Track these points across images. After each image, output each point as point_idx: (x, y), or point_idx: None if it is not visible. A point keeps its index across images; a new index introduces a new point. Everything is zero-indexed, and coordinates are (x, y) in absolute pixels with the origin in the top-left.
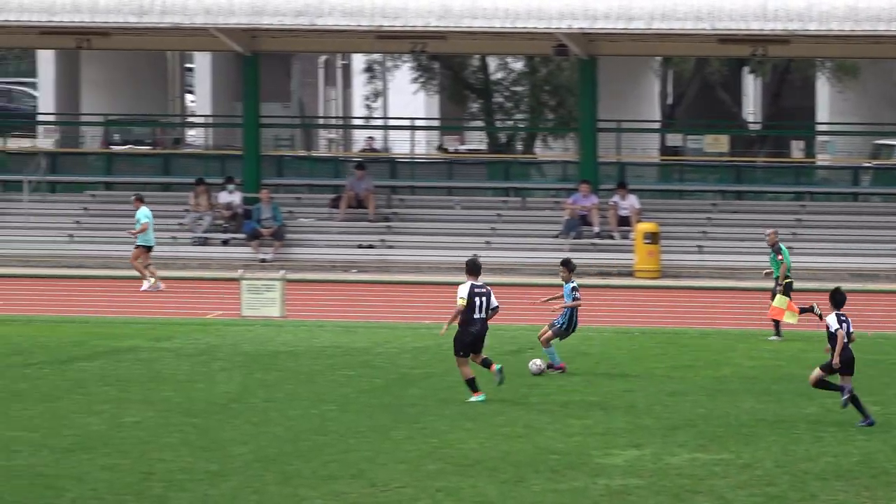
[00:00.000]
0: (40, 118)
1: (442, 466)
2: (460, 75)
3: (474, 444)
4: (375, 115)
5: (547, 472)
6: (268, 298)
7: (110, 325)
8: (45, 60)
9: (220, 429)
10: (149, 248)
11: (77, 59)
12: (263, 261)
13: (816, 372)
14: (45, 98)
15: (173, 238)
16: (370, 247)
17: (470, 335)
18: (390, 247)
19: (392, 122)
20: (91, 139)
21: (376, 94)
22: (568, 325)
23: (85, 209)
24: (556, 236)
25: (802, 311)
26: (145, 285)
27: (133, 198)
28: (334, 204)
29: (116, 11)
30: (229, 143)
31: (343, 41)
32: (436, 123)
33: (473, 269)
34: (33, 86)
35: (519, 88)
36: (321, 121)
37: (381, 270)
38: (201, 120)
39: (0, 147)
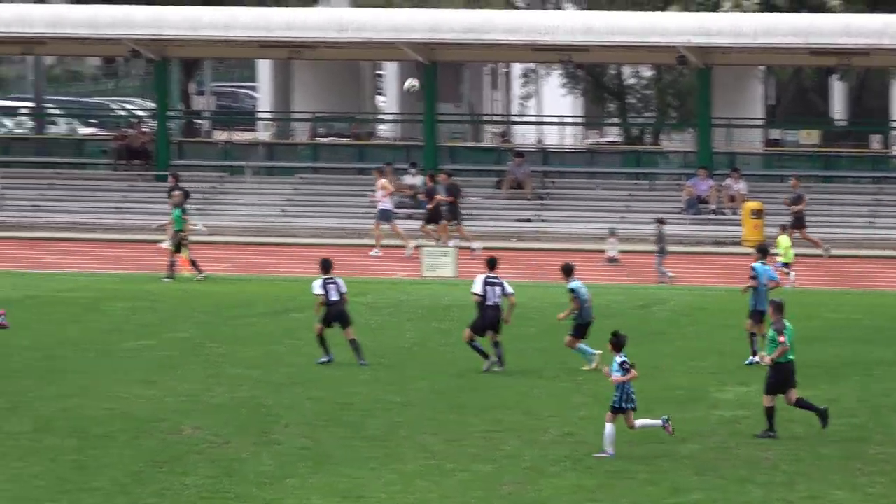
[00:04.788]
0: (259, 115)
1: (584, 400)
2: (600, 81)
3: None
4: (530, 112)
5: (673, 405)
6: (444, 262)
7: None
8: (264, 67)
9: (404, 368)
10: None
11: (289, 66)
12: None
13: None
14: (264, 98)
15: (366, 213)
16: (527, 220)
17: (331, 312)
18: (544, 220)
19: (545, 119)
20: (300, 132)
21: (529, 96)
22: None
23: (295, 189)
24: (680, 212)
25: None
26: None
27: None
28: (497, 185)
29: (322, 28)
30: (412, 136)
31: (504, 53)
32: (580, 120)
33: (326, 266)
34: (254, 88)
35: (647, 92)
36: (487, 117)
37: (536, 239)
38: (390, 116)
39: (227, 139)
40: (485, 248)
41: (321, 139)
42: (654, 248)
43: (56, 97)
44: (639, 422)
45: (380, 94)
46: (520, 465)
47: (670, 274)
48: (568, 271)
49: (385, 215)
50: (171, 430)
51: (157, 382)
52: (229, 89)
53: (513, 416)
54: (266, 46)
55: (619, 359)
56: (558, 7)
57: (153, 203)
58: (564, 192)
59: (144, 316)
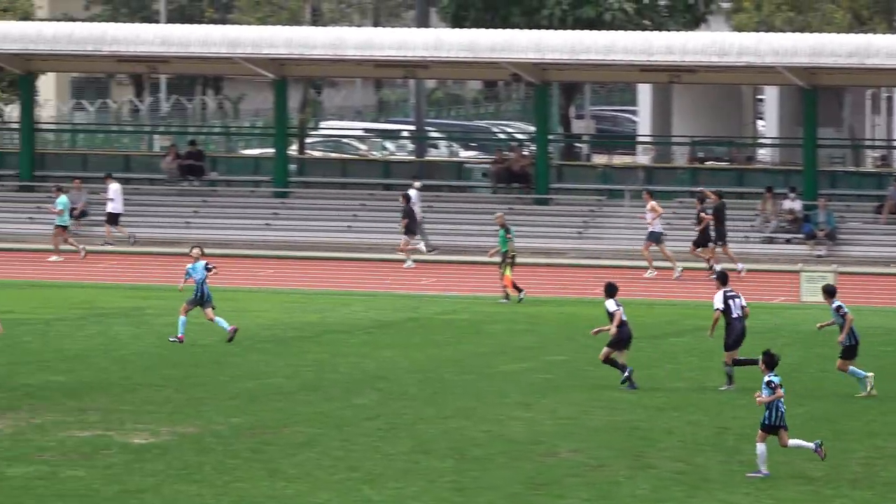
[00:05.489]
0: (638, 139)
1: None
2: None
3: None
4: None
5: None
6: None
7: (693, 308)
8: (644, 91)
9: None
10: (65, 228)
11: (669, 89)
12: (818, 257)
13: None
14: (643, 122)
15: (745, 237)
16: None
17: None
18: None
19: None
20: (679, 156)
21: None
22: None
23: (674, 213)
24: None
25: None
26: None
27: (54, 188)
28: (877, 210)
29: (703, 52)
30: (792, 160)
31: (887, 77)
32: None
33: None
34: (634, 112)
35: None
36: (867, 143)
37: None
38: (770, 141)
39: (606, 162)
40: (863, 274)
41: (700, 163)
42: None
43: (436, 120)
44: (792, 441)
45: (760, 118)
46: None
47: None
48: (831, 293)
49: (655, 237)
50: (548, 452)
51: (536, 405)
52: (609, 113)
53: (894, 442)
54: (646, 70)
55: (766, 378)
56: None
57: (533, 227)
58: None
59: (523, 338)
